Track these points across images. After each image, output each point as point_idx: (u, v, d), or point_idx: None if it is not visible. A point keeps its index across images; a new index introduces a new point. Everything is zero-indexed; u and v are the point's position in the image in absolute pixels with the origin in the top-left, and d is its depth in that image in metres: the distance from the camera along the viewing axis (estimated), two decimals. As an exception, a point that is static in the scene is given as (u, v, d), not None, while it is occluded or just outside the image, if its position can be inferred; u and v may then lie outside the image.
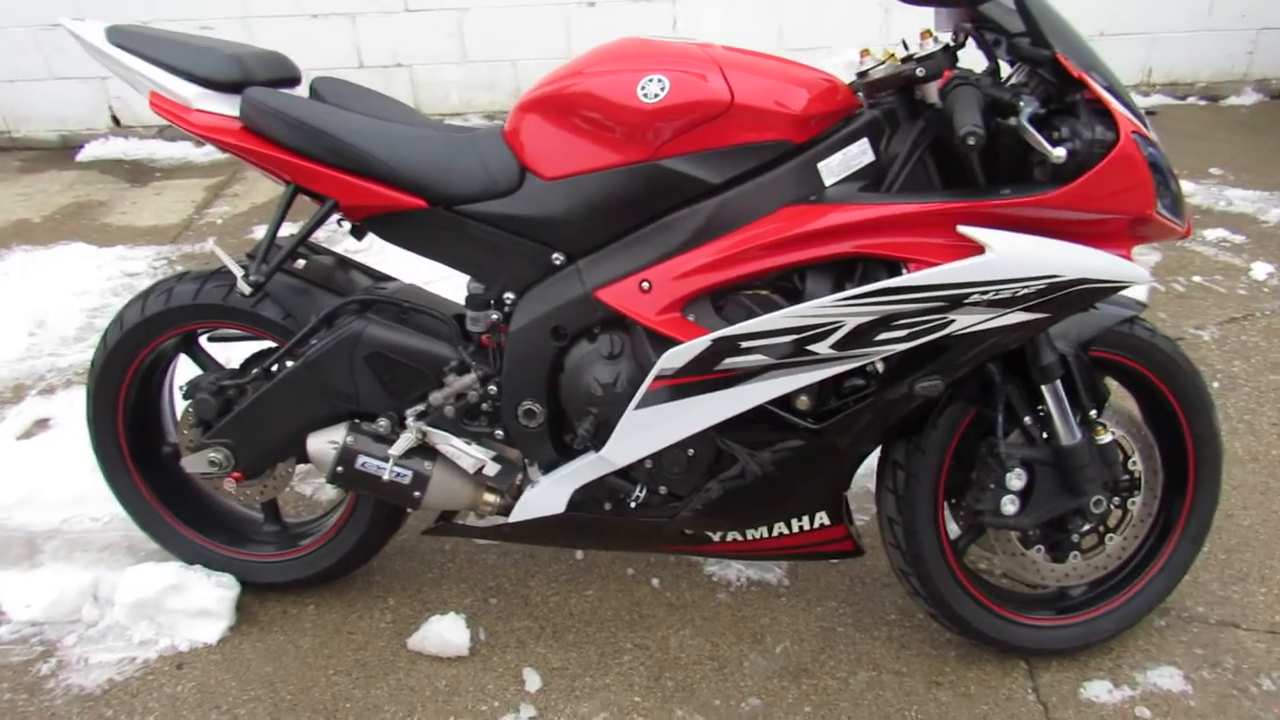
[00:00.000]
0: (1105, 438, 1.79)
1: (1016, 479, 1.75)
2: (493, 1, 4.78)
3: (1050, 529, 1.85)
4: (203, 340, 2.09)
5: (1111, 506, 1.84)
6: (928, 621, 2.02)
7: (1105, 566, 1.93)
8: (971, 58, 1.60)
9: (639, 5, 4.77)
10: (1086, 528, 1.85)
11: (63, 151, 5.16)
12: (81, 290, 3.62)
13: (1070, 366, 1.75)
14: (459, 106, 5.05)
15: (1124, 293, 1.75)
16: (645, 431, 1.69)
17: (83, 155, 5.04)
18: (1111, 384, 1.87)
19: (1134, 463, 1.88)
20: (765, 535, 1.87)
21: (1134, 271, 1.58)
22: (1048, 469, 1.77)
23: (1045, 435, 1.77)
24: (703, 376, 1.63)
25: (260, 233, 1.87)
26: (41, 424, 2.90)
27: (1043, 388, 1.73)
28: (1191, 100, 5.25)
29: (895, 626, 2.06)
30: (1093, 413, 1.78)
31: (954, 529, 1.94)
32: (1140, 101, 5.00)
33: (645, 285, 1.64)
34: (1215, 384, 2.86)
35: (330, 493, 2.50)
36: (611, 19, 4.79)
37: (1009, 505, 1.76)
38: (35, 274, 3.78)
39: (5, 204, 4.53)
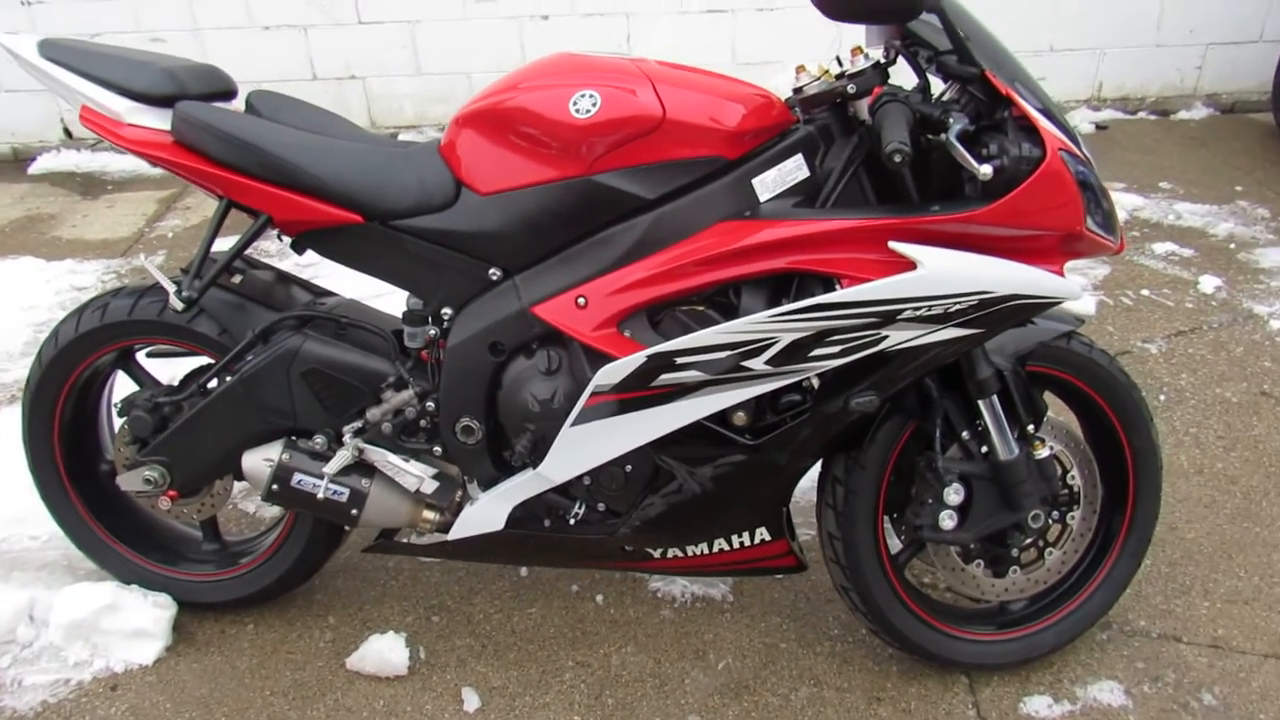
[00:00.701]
0: (1043, 452, 1.80)
1: (954, 494, 1.75)
2: (445, 14, 4.76)
3: (989, 544, 1.86)
4: (140, 356, 2.06)
5: (1050, 521, 1.85)
6: (870, 637, 2.02)
7: (1045, 581, 1.94)
8: (907, 74, 1.62)
9: (593, 19, 4.78)
10: (1026, 542, 1.86)
11: (14, 164, 5.09)
12: (29, 305, 3.56)
13: (1007, 381, 1.75)
14: (413, 119, 5.03)
15: (1069, 307, 1.77)
16: (582, 448, 1.68)
17: (35, 168, 4.97)
18: (1051, 399, 1.88)
19: (1073, 477, 1.89)
20: (706, 551, 1.86)
21: (1066, 287, 1.59)
22: (986, 484, 1.78)
23: (983, 450, 1.78)
24: (639, 393, 1.62)
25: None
26: (-18, 441, 2.84)
27: (979, 403, 1.74)
28: (1142, 115, 5.33)
29: (838, 642, 2.06)
30: (1030, 427, 1.79)
31: (897, 544, 1.94)
32: (1090, 116, 5.12)
33: (581, 301, 1.63)
34: (1161, 397, 2.89)
35: (274, 510, 2.46)
36: (565, 32, 4.79)
37: (947, 520, 1.76)
38: (-18, 288, 3.71)
39: (-45, 217, 4.46)
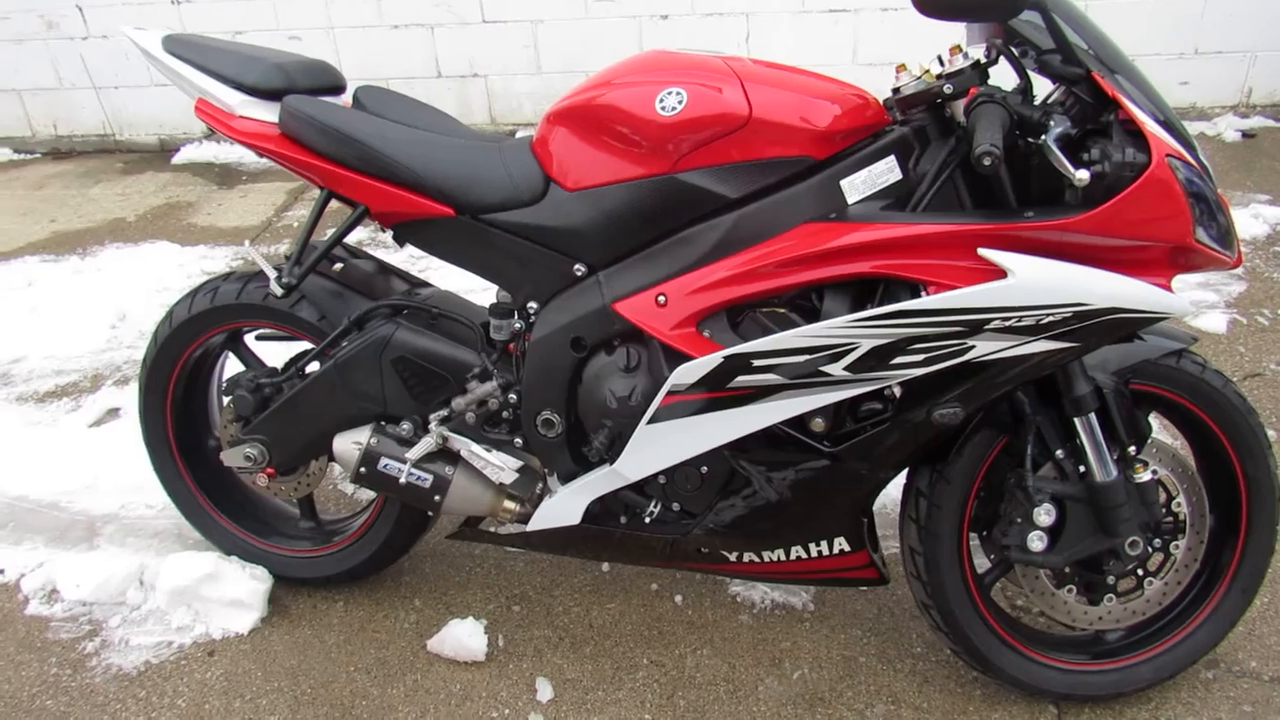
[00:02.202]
0: (1144, 476, 1.70)
1: (1045, 515, 1.67)
2: (567, 14, 4.82)
3: (1083, 569, 1.77)
4: (249, 339, 2.16)
5: (1151, 549, 1.75)
6: (954, 658, 1.95)
7: (1144, 612, 1.83)
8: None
9: (712, 19, 4.75)
10: (1123, 570, 1.76)
11: (161, 154, 5.41)
12: (163, 287, 3.78)
13: (1107, 399, 1.66)
14: (532, 117, 5.10)
15: (1196, 323, 1.66)
16: (657, 446, 1.68)
17: (178, 158, 5.27)
18: (1166, 424, 1.77)
19: (1178, 504, 1.79)
20: (783, 558, 1.83)
21: (1172, 302, 1.50)
22: (1080, 506, 1.69)
23: (1079, 470, 1.69)
24: (715, 394, 1.60)
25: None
26: (113, 413, 3.04)
27: (1075, 421, 1.66)
28: (1297, 124, 4.98)
29: (920, 660, 1.99)
30: (1132, 449, 1.69)
31: (985, 563, 1.87)
32: (1237, 123, 4.81)
33: (661, 299, 1.62)
34: (1295, 424, 2.70)
35: (370, 493, 2.54)
36: (685, 32, 4.78)
37: (1036, 542, 1.68)
38: (123, 270, 3.96)
39: (105, 203, 4.77)
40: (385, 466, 1.86)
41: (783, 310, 1.62)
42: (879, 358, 1.52)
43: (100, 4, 5.11)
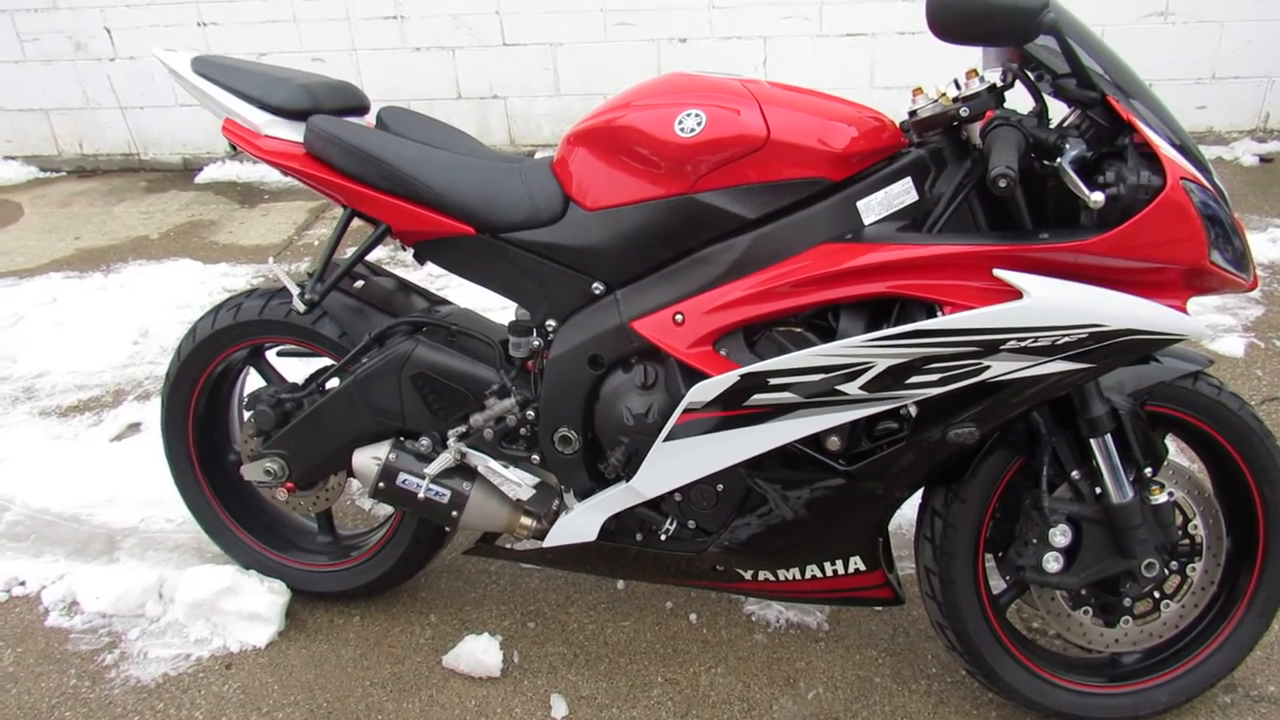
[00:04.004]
0: (1160, 497, 1.69)
1: (1060, 535, 1.67)
2: (586, 36, 4.88)
3: (1100, 591, 1.77)
4: (271, 355, 2.18)
5: (1167, 571, 1.75)
6: (969, 679, 1.95)
7: (1161, 634, 1.83)
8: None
9: (730, 42, 4.80)
10: (1140, 592, 1.76)
11: (184, 173, 5.49)
12: (184, 304, 3.83)
13: (1123, 420, 1.67)
14: (550, 139, 5.16)
15: (1213, 346, 1.67)
16: (673, 464, 1.69)
17: (201, 177, 5.35)
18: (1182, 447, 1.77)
19: (1194, 526, 1.78)
20: (798, 577, 1.83)
21: (1188, 324, 1.51)
22: (1095, 527, 1.69)
23: (1095, 491, 1.70)
24: (731, 412, 1.62)
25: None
26: (134, 427, 3.07)
27: (1091, 442, 1.66)
28: (1316, 149, 4.98)
29: (935, 681, 1.99)
30: (1148, 470, 1.69)
31: (1001, 584, 1.86)
32: (1255, 148, 4.80)
33: (679, 318, 1.64)
34: (1314, 449, 2.68)
35: (388, 509, 2.55)
36: (703, 55, 4.83)
37: (1052, 562, 1.68)
38: (146, 287, 4.01)
39: (129, 221, 4.84)
40: (404, 482, 1.88)
41: (799, 329, 1.63)
42: (895, 377, 1.53)
43: (128, 26, 5.21)
